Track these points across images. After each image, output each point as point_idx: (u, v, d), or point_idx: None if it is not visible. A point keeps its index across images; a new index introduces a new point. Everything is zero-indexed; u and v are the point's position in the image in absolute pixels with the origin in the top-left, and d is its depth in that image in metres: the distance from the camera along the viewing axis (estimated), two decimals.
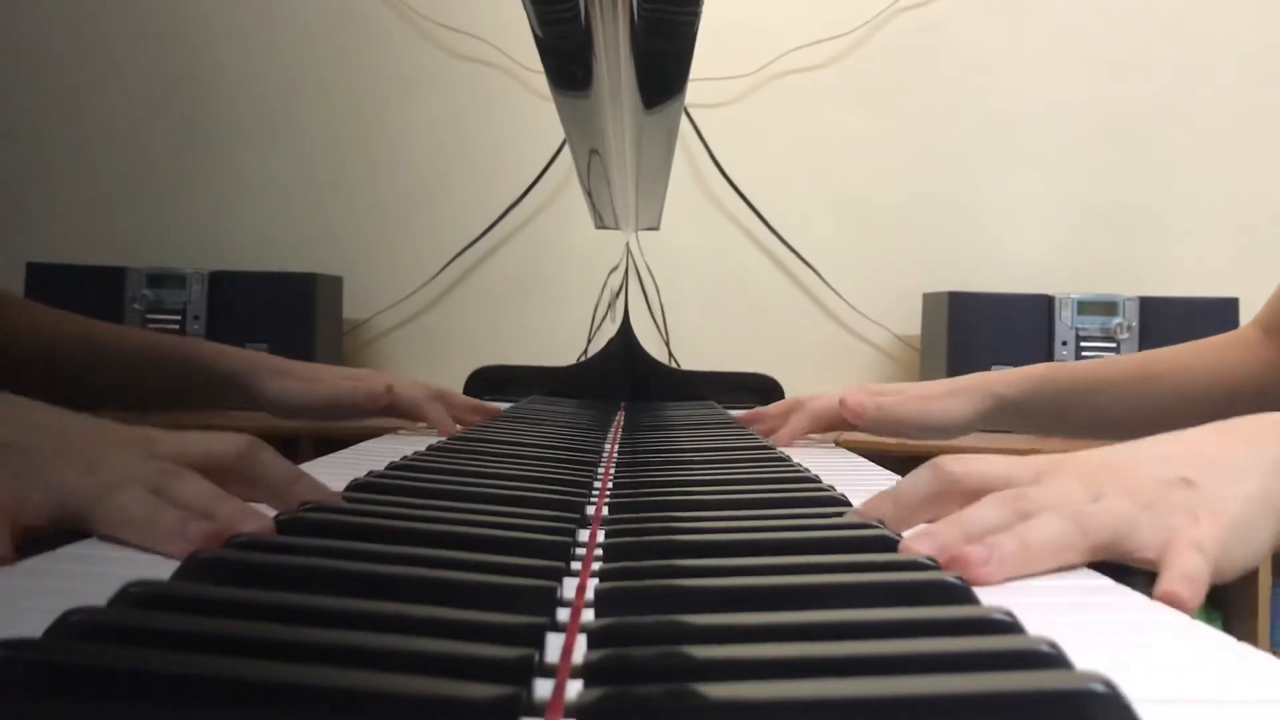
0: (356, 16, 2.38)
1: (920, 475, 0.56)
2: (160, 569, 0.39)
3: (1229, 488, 0.51)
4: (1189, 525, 0.49)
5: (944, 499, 0.55)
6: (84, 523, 0.49)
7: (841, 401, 1.07)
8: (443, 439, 0.89)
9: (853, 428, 1.11)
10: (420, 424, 1.11)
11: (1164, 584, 0.46)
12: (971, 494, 0.53)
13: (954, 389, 1.07)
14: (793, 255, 2.35)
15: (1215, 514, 0.49)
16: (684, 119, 2.20)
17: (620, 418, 1.22)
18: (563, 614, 0.38)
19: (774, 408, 1.16)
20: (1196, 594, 0.46)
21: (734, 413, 1.19)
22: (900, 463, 0.60)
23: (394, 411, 1.09)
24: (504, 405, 1.26)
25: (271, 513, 0.51)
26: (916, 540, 0.48)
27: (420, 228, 2.37)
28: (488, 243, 2.36)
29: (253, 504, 0.51)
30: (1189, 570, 0.46)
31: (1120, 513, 0.49)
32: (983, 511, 0.50)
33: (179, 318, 2.07)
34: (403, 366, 2.37)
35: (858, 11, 2.35)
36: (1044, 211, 2.37)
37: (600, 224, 1.41)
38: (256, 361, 1.08)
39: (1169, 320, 2.03)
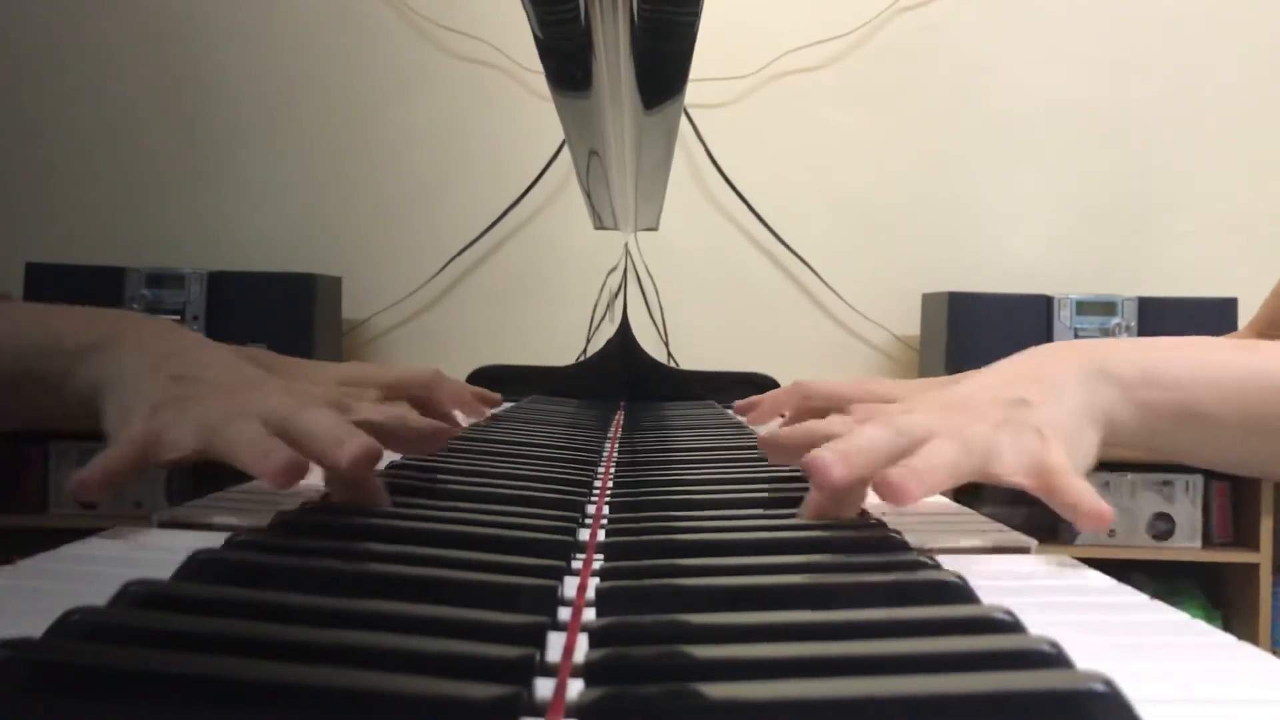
0: (356, 16, 2.38)
1: (781, 395, 0.60)
2: (160, 569, 0.39)
3: (1057, 403, 0.56)
4: (1043, 447, 0.53)
5: (803, 415, 0.60)
6: (213, 452, 0.53)
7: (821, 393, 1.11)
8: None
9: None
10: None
11: (1084, 509, 0.51)
12: (822, 412, 0.58)
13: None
14: (792, 255, 2.35)
15: (1055, 430, 0.54)
16: (684, 119, 2.20)
17: (620, 417, 1.22)
18: (564, 613, 0.38)
19: (769, 395, 1.15)
20: (1109, 507, 0.51)
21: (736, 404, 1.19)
22: None
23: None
24: (504, 405, 1.25)
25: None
26: (825, 453, 0.52)
27: (420, 228, 2.37)
28: (488, 243, 2.36)
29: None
30: (1087, 490, 0.52)
31: (984, 435, 0.54)
32: (870, 432, 0.54)
33: (179, 318, 2.07)
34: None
35: (858, 12, 2.35)
36: (1044, 211, 2.37)
37: (599, 224, 1.41)
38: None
39: (1168, 320, 2.03)
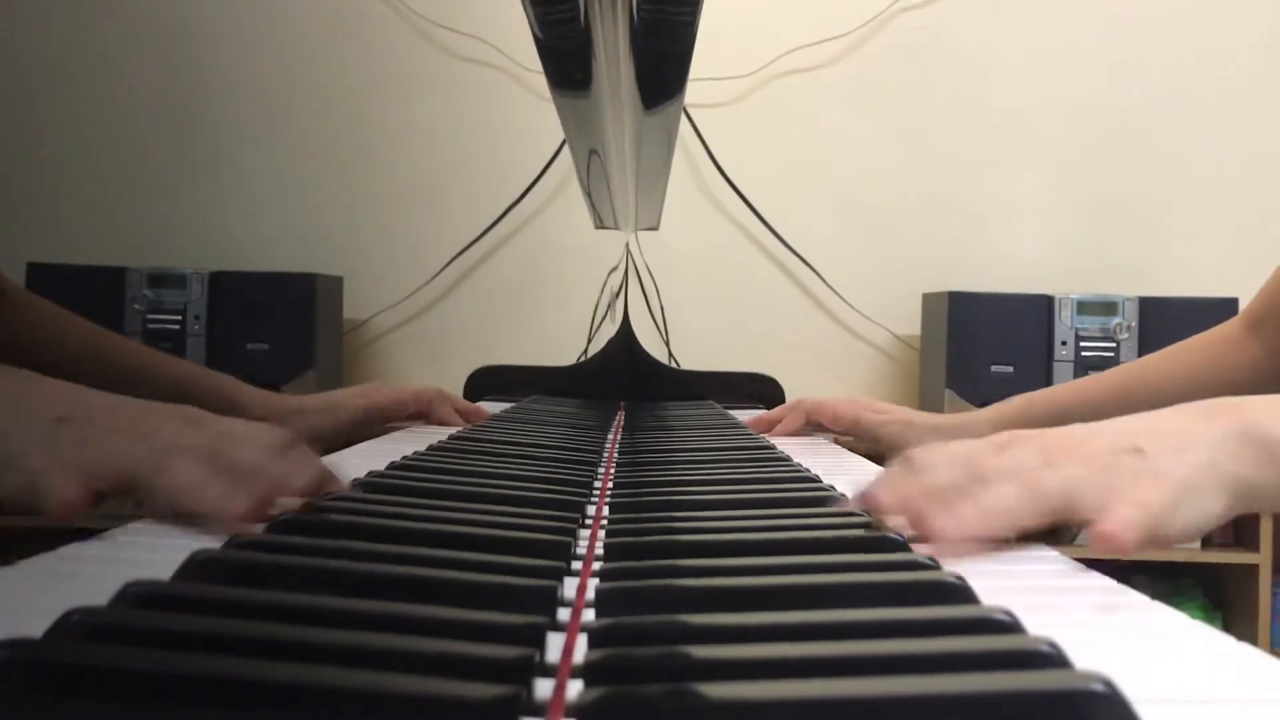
0: (356, 17, 2.38)
1: (894, 468, 0.59)
2: (160, 569, 0.39)
3: (1177, 456, 0.52)
4: (1133, 487, 0.51)
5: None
6: (142, 490, 0.52)
7: (821, 406, 1.14)
8: (443, 439, 0.89)
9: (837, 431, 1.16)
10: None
11: (1101, 524, 0.49)
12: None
13: (939, 426, 1.12)
14: (793, 255, 2.35)
15: (1160, 479, 0.51)
16: (684, 119, 2.20)
17: (620, 418, 1.22)
18: (563, 614, 0.38)
19: (776, 412, 1.20)
20: (1132, 537, 0.48)
21: (740, 416, 1.21)
22: None
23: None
24: (504, 405, 1.26)
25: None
26: (876, 488, 0.54)
27: (420, 228, 2.37)
28: (487, 243, 2.36)
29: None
30: (1125, 517, 0.49)
31: (1071, 476, 0.52)
32: (939, 470, 0.54)
33: (179, 318, 2.07)
34: (403, 366, 2.37)
35: (858, 12, 2.35)
36: (1044, 211, 2.37)
37: (600, 224, 1.41)
38: (276, 407, 1.11)
39: (1169, 320, 2.03)
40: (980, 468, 0.54)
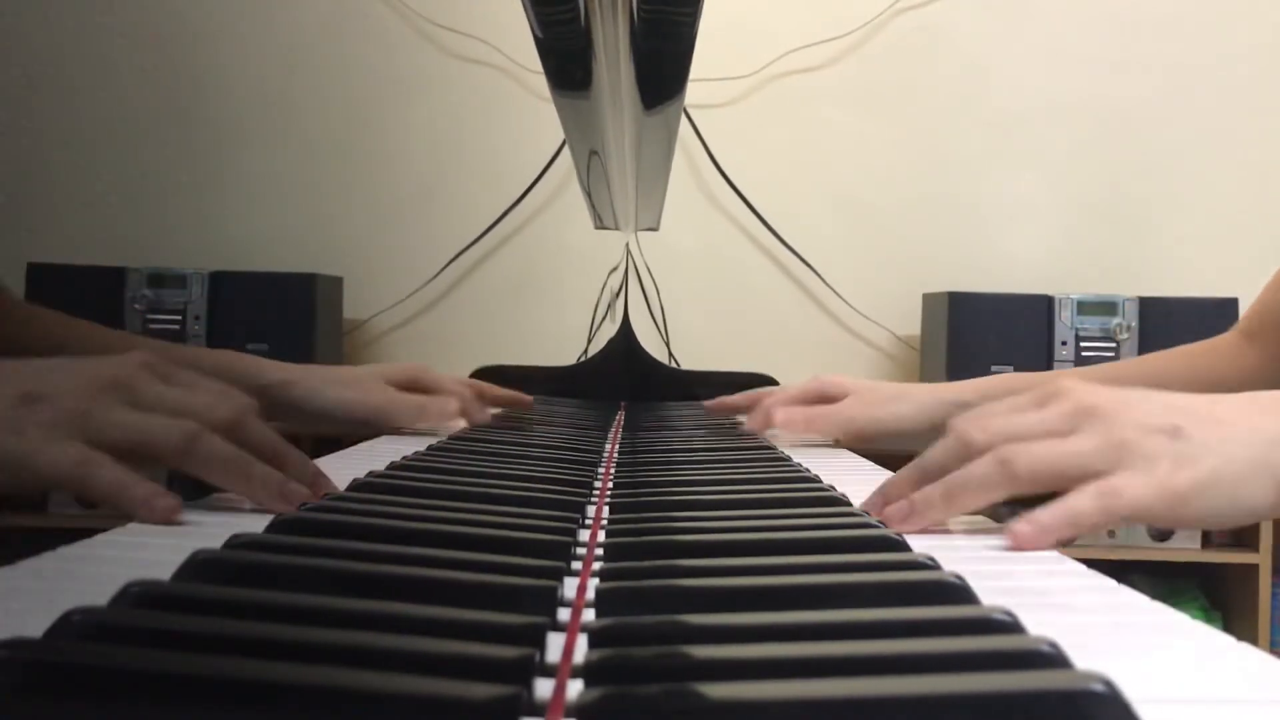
0: (356, 17, 2.38)
1: (941, 445, 0.58)
2: (160, 569, 0.39)
3: (1220, 445, 0.50)
4: (1142, 469, 0.49)
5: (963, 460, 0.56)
6: (167, 464, 0.54)
7: (769, 416, 1.03)
8: (443, 439, 0.89)
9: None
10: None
11: (1018, 520, 0.50)
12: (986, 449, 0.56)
13: (902, 394, 1.05)
14: (793, 255, 2.35)
15: (1186, 464, 0.49)
16: (684, 119, 2.20)
17: (620, 418, 1.22)
18: (563, 614, 0.38)
19: (739, 398, 1.15)
20: (1036, 538, 0.50)
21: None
22: (901, 463, 0.60)
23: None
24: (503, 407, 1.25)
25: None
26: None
27: (420, 228, 2.37)
28: (487, 243, 2.36)
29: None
30: (1059, 511, 0.49)
31: (1075, 450, 0.51)
32: (934, 453, 0.57)
33: (179, 318, 2.07)
34: None
35: (858, 12, 2.35)
36: (1044, 211, 2.37)
37: (600, 224, 1.41)
38: (305, 370, 1.03)
39: (1169, 320, 2.03)
40: (976, 433, 0.54)
